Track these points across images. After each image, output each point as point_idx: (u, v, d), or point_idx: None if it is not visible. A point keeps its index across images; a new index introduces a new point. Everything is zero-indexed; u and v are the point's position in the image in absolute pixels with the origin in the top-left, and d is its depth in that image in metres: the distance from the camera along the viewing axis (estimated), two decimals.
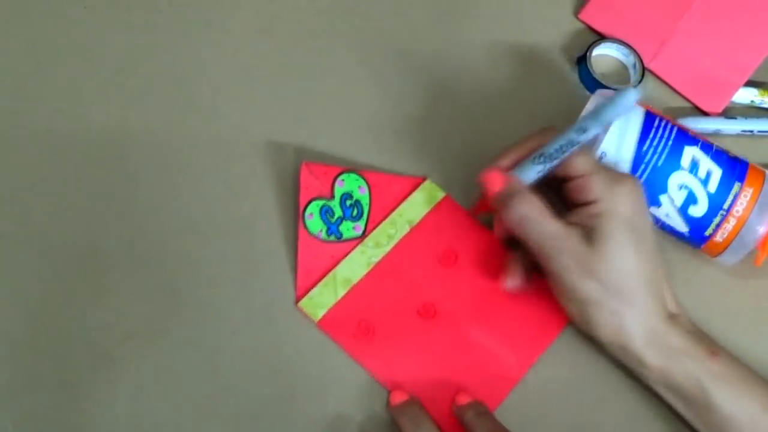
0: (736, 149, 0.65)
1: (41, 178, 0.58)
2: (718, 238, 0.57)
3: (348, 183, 0.60)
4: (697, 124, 0.65)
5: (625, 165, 0.57)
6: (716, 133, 0.66)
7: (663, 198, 0.57)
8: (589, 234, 0.51)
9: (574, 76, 0.67)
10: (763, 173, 0.57)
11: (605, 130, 0.52)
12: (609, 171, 0.52)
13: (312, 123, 0.62)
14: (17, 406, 0.52)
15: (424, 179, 0.61)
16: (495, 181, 0.54)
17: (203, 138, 0.61)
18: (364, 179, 0.60)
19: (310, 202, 0.59)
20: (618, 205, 0.51)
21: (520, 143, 0.55)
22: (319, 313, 0.57)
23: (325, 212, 0.59)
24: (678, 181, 0.56)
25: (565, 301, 0.53)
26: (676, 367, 0.51)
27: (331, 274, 0.58)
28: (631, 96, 0.49)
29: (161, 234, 0.58)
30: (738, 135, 0.66)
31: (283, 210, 0.59)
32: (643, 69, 0.66)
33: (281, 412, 0.54)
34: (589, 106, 0.59)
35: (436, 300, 0.58)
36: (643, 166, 0.57)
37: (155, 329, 0.55)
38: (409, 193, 0.61)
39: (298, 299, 0.57)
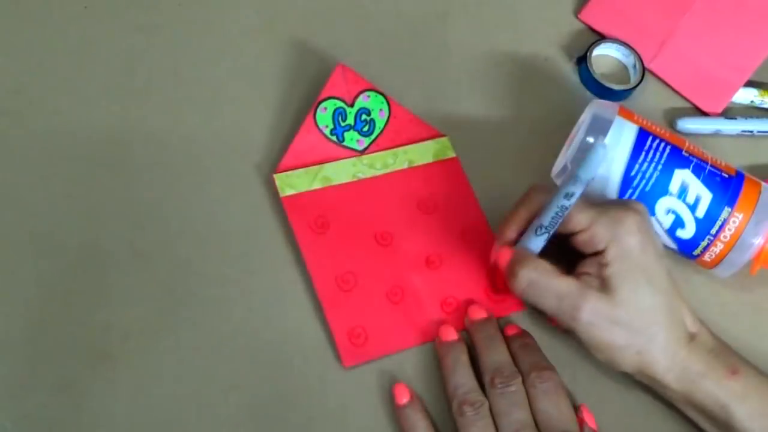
0: (736, 149, 0.65)
1: (41, 178, 0.58)
2: (706, 258, 0.57)
3: (372, 101, 0.61)
4: (696, 125, 0.65)
5: (613, 188, 0.57)
6: (716, 134, 0.66)
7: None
8: (605, 284, 0.52)
9: (574, 76, 0.67)
10: (759, 185, 0.57)
11: (588, 186, 0.52)
12: (609, 213, 0.53)
13: None
14: (17, 405, 0.52)
15: (442, 135, 0.63)
16: (503, 256, 0.54)
17: (203, 137, 0.61)
18: (389, 105, 0.62)
19: (329, 98, 0.60)
20: (625, 248, 0.52)
21: (517, 210, 0.55)
22: (287, 192, 0.59)
23: (339, 114, 0.60)
24: (666, 206, 0.56)
25: (589, 349, 0.54)
26: (698, 389, 0.52)
27: (317, 167, 0.59)
28: (600, 152, 0.51)
29: (161, 234, 0.58)
30: (738, 135, 0.66)
31: (284, 209, 0.59)
32: (643, 69, 0.66)
33: (281, 412, 0.54)
34: (584, 116, 0.59)
35: (396, 233, 0.59)
36: (630, 191, 0.57)
37: (155, 329, 0.55)
38: (423, 140, 0.62)
39: (276, 171, 0.59)
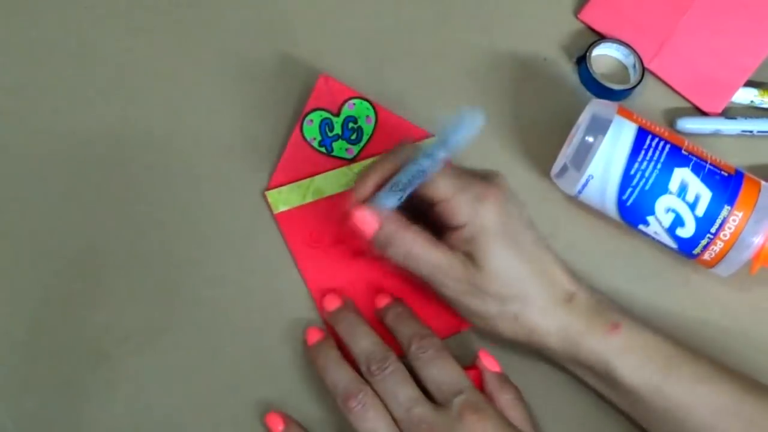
0: (736, 149, 0.65)
1: (41, 178, 0.59)
2: (706, 257, 0.57)
3: (358, 108, 0.61)
4: (696, 125, 0.65)
5: (612, 187, 0.57)
6: (716, 133, 0.66)
7: (650, 218, 0.57)
8: (469, 257, 0.52)
9: (574, 76, 0.67)
10: (759, 184, 0.57)
11: (456, 152, 0.51)
12: (471, 187, 0.52)
13: None
14: (17, 405, 0.52)
15: (431, 135, 0.62)
16: (369, 222, 0.52)
17: (202, 139, 0.61)
18: (375, 111, 0.62)
19: (314, 110, 0.60)
20: (485, 223, 0.52)
21: (378, 164, 0.53)
22: (281, 208, 0.59)
23: (325, 124, 0.60)
24: (665, 205, 0.56)
25: (467, 317, 0.54)
26: (581, 348, 0.53)
27: (308, 180, 0.59)
28: (474, 119, 0.49)
29: (161, 234, 0.58)
30: (738, 135, 0.66)
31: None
32: (643, 69, 0.66)
33: (282, 410, 0.54)
34: (584, 116, 0.59)
35: None
36: (630, 190, 0.57)
37: (155, 329, 0.55)
38: (413, 141, 0.61)
39: (267, 188, 0.59)
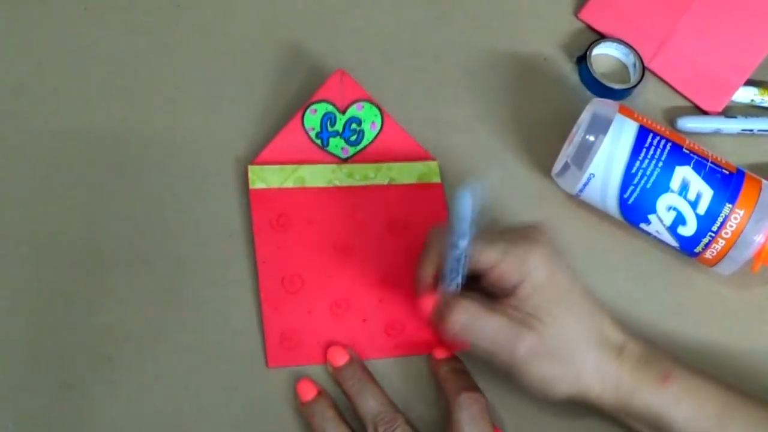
0: (736, 148, 0.65)
1: (41, 178, 0.58)
2: (708, 255, 0.57)
3: (366, 111, 0.60)
4: (697, 124, 0.65)
5: (614, 186, 0.57)
6: (716, 132, 0.66)
7: (652, 217, 0.57)
8: (527, 320, 0.51)
9: (574, 75, 0.67)
10: (760, 182, 0.57)
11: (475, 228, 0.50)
12: (515, 250, 0.52)
13: None
14: (18, 406, 0.52)
15: (433, 159, 0.61)
16: (426, 304, 0.54)
17: (202, 139, 0.61)
18: (382, 120, 0.61)
19: (321, 101, 0.60)
20: (536, 284, 0.51)
21: (425, 259, 0.54)
22: (258, 185, 0.58)
23: (328, 118, 0.59)
24: (667, 203, 0.56)
25: (526, 385, 0.53)
26: (633, 401, 0.52)
27: (293, 166, 0.59)
28: (465, 200, 0.46)
29: (161, 235, 0.58)
30: (738, 134, 0.66)
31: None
32: (643, 68, 0.66)
33: (282, 412, 0.54)
34: (585, 115, 0.59)
35: (357, 247, 0.58)
36: (631, 188, 0.57)
37: (155, 330, 0.55)
38: (411, 160, 0.61)
39: (252, 162, 0.58)
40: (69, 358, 0.54)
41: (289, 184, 0.58)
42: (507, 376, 0.52)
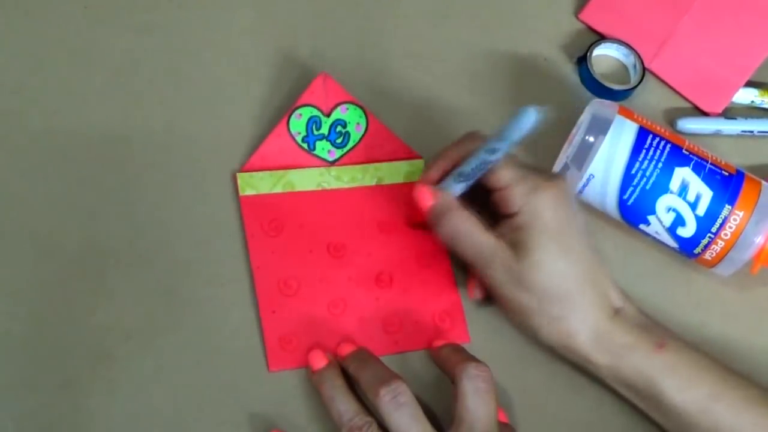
0: (736, 150, 0.65)
1: (41, 178, 0.58)
2: (707, 256, 0.57)
3: (350, 113, 0.61)
4: (697, 125, 0.65)
5: (613, 187, 0.57)
6: (716, 134, 0.66)
7: (651, 218, 0.57)
8: (515, 247, 0.52)
9: (574, 76, 0.67)
10: (759, 184, 0.57)
11: (516, 146, 0.51)
12: (532, 179, 0.53)
13: None
14: (17, 405, 0.52)
15: (419, 157, 0.62)
16: (426, 197, 0.54)
17: (204, 138, 0.61)
18: (366, 120, 0.61)
19: (305, 105, 0.60)
20: (539, 215, 0.52)
21: (447, 152, 0.56)
22: (247, 191, 0.58)
23: (313, 122, 0.60)
24: (666, 204, 0.57)
25: (505, 311, 0.54)
26: (624, 363, 0.52)
27: (282, 171, 0.59)
28: (530, 116, 0.48)
29: (161, 234, 0.58)
30: (738, 135, 0.66)
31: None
32: (643, 69, 0.66)
33: (282, 412, 0.54)
34: (584, 116, 0.59)
35: (350, 247, 0.58)
36: (631, 189, 0.57)
37: (155, 329, 0.55)
38: (397, 159, 0.61)
39: (241, 169, 0.59)
40: (68, 357, 0.54)
41: (279, 190, 0.59)
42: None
